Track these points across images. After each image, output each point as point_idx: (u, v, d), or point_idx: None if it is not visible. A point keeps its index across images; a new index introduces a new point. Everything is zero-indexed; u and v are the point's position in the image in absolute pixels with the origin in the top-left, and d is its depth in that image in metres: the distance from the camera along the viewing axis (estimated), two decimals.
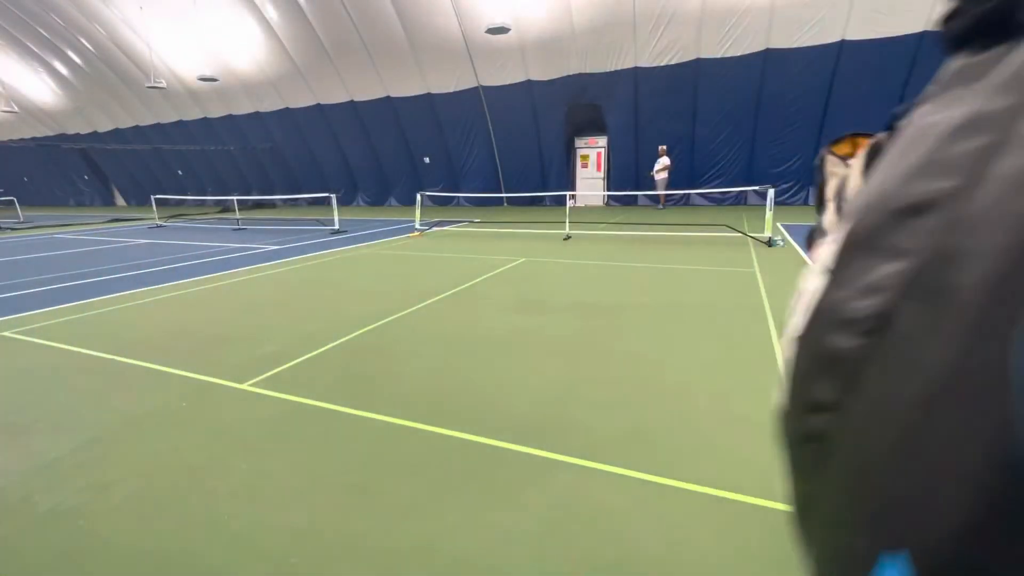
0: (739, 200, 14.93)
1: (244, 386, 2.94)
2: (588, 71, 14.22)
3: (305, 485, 1.98)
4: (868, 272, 0.28)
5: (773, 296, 4.59)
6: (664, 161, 13.64)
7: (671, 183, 13.84)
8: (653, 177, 13.73)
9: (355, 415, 2.55)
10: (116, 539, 1.71)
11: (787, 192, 13.96)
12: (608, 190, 16.13)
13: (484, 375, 3.02)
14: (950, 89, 0.29)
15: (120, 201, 27.84)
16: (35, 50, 20.52)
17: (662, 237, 8.83)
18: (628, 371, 3.01)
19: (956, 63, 0.30)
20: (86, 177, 28.06)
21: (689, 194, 14.95)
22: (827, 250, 0.33)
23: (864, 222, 0.29)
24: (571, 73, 14.42)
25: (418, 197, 11.09)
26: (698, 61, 13.11)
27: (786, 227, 9.48)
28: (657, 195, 13.99)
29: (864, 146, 0.48)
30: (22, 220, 14.72)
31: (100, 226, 14.98)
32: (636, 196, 15.08)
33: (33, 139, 26.12)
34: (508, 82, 15.13)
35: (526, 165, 16.51)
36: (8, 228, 14.36)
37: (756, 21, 12.15)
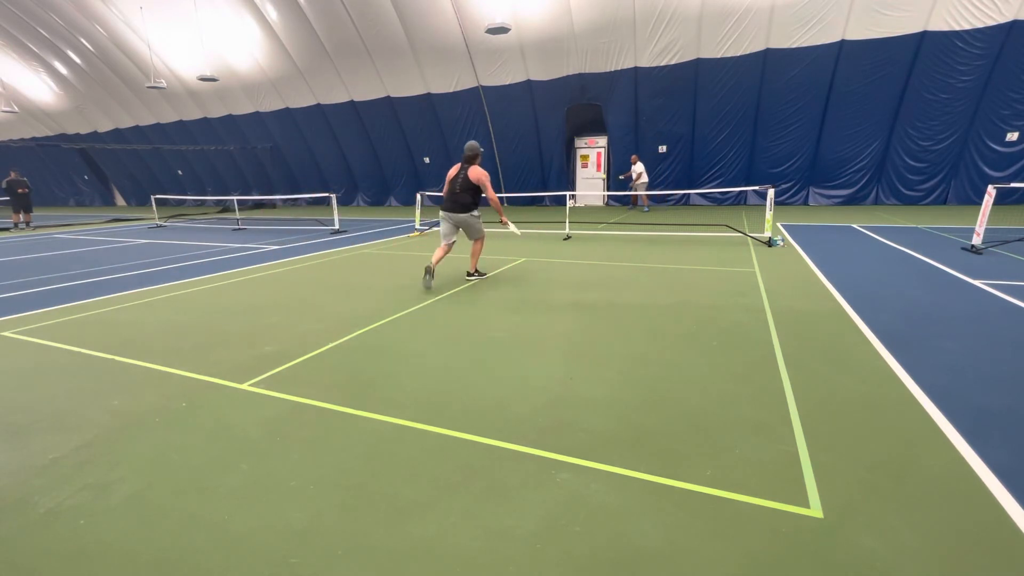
0: (739, 200, 14.95)
1: (244, 386, 2.94)
2: (588, 71, 14.23)
3: (305, 485, 1.98)
4: None
5: (773, 296, 4.59)
6: (639, 167, 13.68)
7: (651, 185, 14.09)
8: (634, 186, 13.73)
9: (355, 415, 2.55)
10: (116, 539, 1.71)
11: (787, 192, 13.97)
12: (608, 190, 16.14)
13: (484, 375, 3.02)
14: None
15: (120, 201, 27.85)
16: (35, 50, 20.52)
17: (662, 237, 8.83)
18: (628, 371, 3.01)
19: None
20: (86, 177, 28.08)
21: (689, 194, 14.96)
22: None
23: None
24: (571, 73, 14.42)
25: (418, 197, 11.09)
26: (698, 61, 13.11)
27: (786, 227, 9.48)
28: (639, 196, 14.11)
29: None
30: (23, 220, 14.70)
31: (100, 226, 14.98)
32: (636, 196, 15.08)
33: (33, 139, 26.12)
34: (508, 82, 15.13)
35: (526, 165, 16.52)
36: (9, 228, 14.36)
37: (756, 21, 12.15)
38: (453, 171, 5.56)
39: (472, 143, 5.54)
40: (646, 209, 14.57)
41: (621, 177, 14.31)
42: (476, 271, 5.86)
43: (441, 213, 5.66)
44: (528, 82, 14.99)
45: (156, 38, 17.59)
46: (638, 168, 13.63)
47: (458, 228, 5.66)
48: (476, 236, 5.74)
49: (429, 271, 5.37)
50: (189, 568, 1.57)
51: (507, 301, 4.71)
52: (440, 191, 6.37)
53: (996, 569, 1.49)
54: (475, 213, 5.55)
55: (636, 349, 3.37)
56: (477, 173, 5.37)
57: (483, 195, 5.52)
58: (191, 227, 13.78)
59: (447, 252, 5.67)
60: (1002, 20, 10.64)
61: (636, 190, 13.67)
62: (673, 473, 1.99)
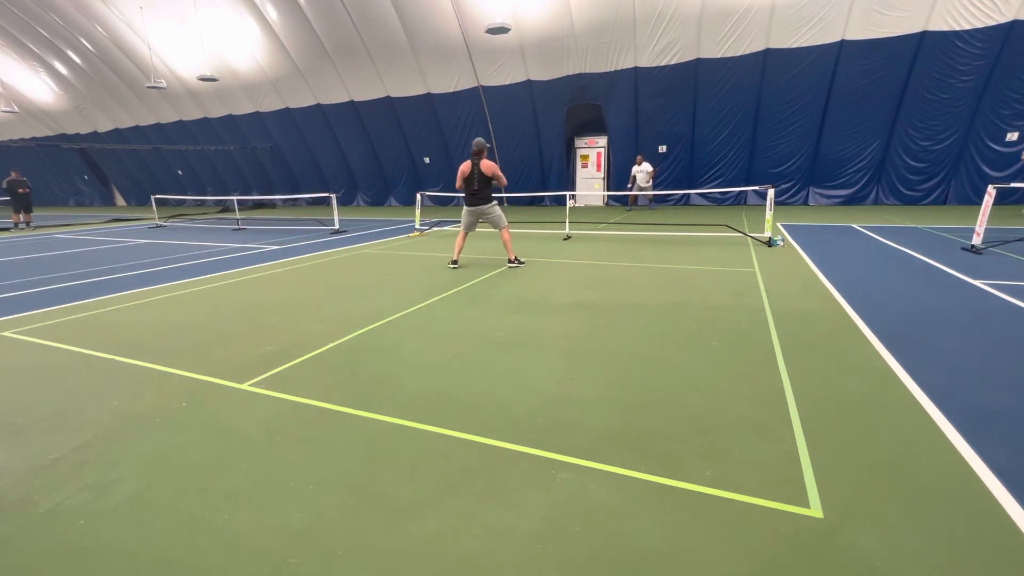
0: (739, 200, 14.95)
1: (244, 386, 2.94)
2: (588, 71, 14.23)
3: (305, 485, 1.98)
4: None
5: (773, 296, 4.59)
6: (647, 166, 13.79)
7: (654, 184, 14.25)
8: (643, 185, 13.80)
9: (355, 415, 2.55)
10: (116, 539, 1.71)
11: (787, 192, 13.97)
12: (608, 190, 16.14)
13: (484, 375, 3.02)
14: None
15: (120, 201, 27.85)
16: (35, 50, 20.52)
17: (662, 237, 8.83)
18: (628, 371, 3.01)
19: None
20: (86, 177, 28.08)
21: (689, 194, 14.96)
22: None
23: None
24: (571, 73, 14.42)
25: (418, 197, 11.09)
26: (698, 61, 13.11)
27: (786, 227, 9.48)
28: (639, 196, 14.19)
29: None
30: (23, 220, 14.69)
31: (100, 226, 14.98)
32: (637, 196, 15.10)
33: (33, 139, 26.12)
34: (508, 82, 15.13)
35: (526, 165, 16.52)
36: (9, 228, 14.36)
37: (756, 21, 12.15)
38: (466, 168, 6.23)
39: (478, 140, 6.22)
40: (629, 209, 14.83)
41: (630, 186, 14.26)
42: (516, 259, 6.46)
43: (465, 208, 6.48)
44: (528, 82, 14.99)
45: (156, 38, 17.59)
46: (641, 168, 13.67)
47: (478, 220, 6.55)
48: (501, 225, 6.48)
49: (454, 262, 6.45)
50: (189, 568, 1.57)
51: (507, 301, 4.71)
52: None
53: (996, 569, 1.49)
54: (494, 203, 6.44)
55: (636, 349, 3.37)
56: (488, 165, 6.16)
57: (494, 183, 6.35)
58: (191, 227, 13.78)
59: (464, 241, 6.62)
60: (1002, 20, 10.64)
61: (644, 190, 13.70)
62: (673, 473, 1.99)
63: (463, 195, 6.47)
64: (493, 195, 6.43)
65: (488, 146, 6.37)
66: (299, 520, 1.77)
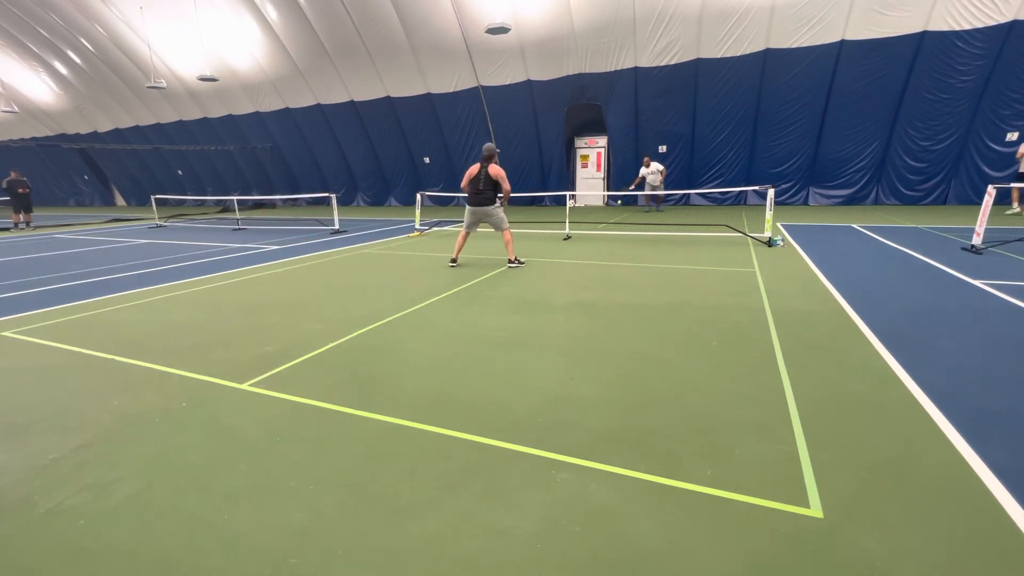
0: (739, 200, 14.95)
1: (244, 386, 2.94)
2: (588, 71, 14.23)
3: (305, 485, 1.98)
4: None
5: (773, 296, 4.59)
6: (657, 166, 13.50)
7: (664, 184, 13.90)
8: (655, 185, 13.49)
9: (355, 415, 2.55)
10: (116, 539, 1.71)
11: (787, 192, 13.97)
12: (608, 190, 16.14)
13: (484, 375, 3.02)
14: None
15: (120, 201, 27.85)
16: (35, 50, 20.53)
17: (662, 237, 8.83)
18: (628, 371, 3.01)
19: None
20: (86, 177, 28.08)
21: (689, 194, 14.96)
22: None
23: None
24: (571, 73, 14.42)
25: (418, 197, 11.09)
26: (698, 61, 13.12)
27: (786, 227, 9.48)
28: (656, 196, 13.95)
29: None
30: (23, 220, 14.69)
31: (100, 226, 14.98)
32: (637, 196, 15.08)
33: (33, 139, 26.12)
34: (508, 82, 15.13)
35: (526, 165, 16.52)
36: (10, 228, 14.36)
37: (756, 21, 12.15)
38: (474, 170, 6.44)
39: (489, 145, 6.45)
40: (647, 210, 14.53)
41: (631, 188, 14.05)
42: (516, 260, 6.53)
43: (468, 208, 6.59)
44: (528, 82, 14.99)
45: (156, 38, 17.59)
46: (650, 169, 13.33)
47: (480, 221, 6.65)
48: (503, 227, 6.58)
49: (454, 261, 6.59)
50: (189, 568, 1.57)
51: (507, 301, 4.71)
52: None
53: (996, 569, 1.49)
54: (497, 205, 6.53)
55: (636, 349, 3.37)
56: (496, 170, 6.34)
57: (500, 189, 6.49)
58: (191, 227, 13.78)
59: (465, 240, 6.74)
60: (1002, 20, 10.65)
61: (656, 190, 13.49)
62: (673, 473, 1.99)
63: (466, 195, 6.53)
64: (497, 198, 6.50)
65: (498, 151, 6.56)
66: (299, 520, 1.77)
